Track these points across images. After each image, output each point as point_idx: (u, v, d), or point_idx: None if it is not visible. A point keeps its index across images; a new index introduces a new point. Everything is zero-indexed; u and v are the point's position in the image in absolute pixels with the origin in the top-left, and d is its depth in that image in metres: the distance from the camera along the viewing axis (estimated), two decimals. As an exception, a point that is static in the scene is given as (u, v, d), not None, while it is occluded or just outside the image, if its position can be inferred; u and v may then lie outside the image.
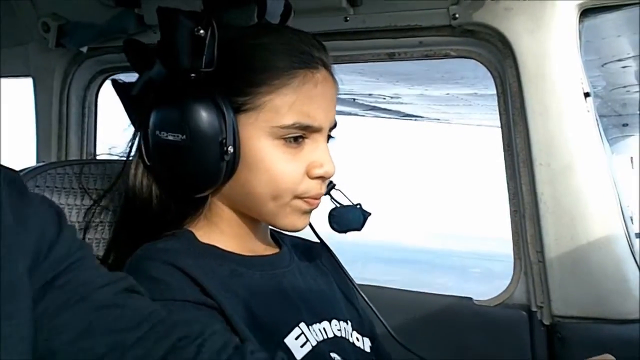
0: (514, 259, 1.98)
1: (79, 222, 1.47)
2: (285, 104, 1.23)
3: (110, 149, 1.49)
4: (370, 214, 1.47)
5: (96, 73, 2.61)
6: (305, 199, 1.29)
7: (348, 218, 1.46)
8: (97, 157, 2.58)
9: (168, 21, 1.26)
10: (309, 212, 1.33)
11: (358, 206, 1.48)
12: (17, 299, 0.86)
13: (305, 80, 1.24)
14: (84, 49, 2.47)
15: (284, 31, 1.29)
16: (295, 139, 1.25)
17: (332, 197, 1.46)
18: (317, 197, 1.31)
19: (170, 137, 1.22)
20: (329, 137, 1.36)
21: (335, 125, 1.35)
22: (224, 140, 1.21)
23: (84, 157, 2.62)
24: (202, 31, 1.21)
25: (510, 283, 2.00)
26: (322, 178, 1.29)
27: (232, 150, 1.21)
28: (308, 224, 1.36)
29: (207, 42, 1.21)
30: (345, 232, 1.49)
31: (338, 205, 1.47)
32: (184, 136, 1.21)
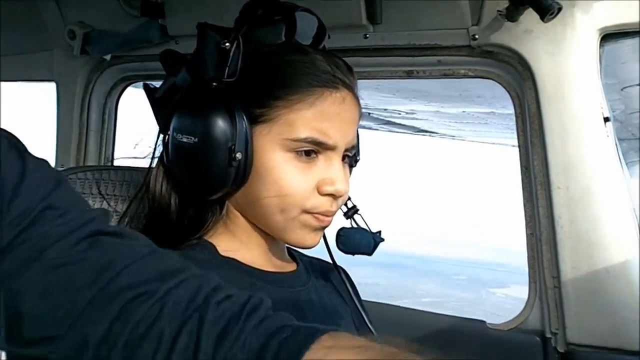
0: (529, 283, 1.96)
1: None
2: (300, 118, 1.24)
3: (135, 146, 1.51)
4: (383, 239, 1.46)
5: (118, 80, 2.64)
6: (315, 215, 1.29)
7: (356, 240, 1.46)
8: (115, 163, 2.61)
9: (199, 34, 1.30)
10: (319, 229, 1.33)
11: (376, 232, 1.47)
12: None
13: (323, 99, 1.25)
14: (107, 57, 2.50)
15: (309, 51, 1.30)
16: (308, 153, 1.26)
17: (354, 221, 1.46)
18: (327, 215, 1.31)
19: (185, 139, 1.25)
20: (351, 159, 1.38)
21: (354, 147, 1.36)
22: (233, 147, 1.23)
23: (102, 163, 2.64)
24: (227, 44, 1.25)
25: (525, 308, 1.98)
26: (332, 196, 1.29)
27: (239, 157, 1.23)
28: (318, 242, 1.36)
29: (231, 54, 1.25)
30: (352, 254, 1.49)
31: (365, 228, 1.47)
32: (196, 139, 1.24)
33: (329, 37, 1.39)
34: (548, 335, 1.91)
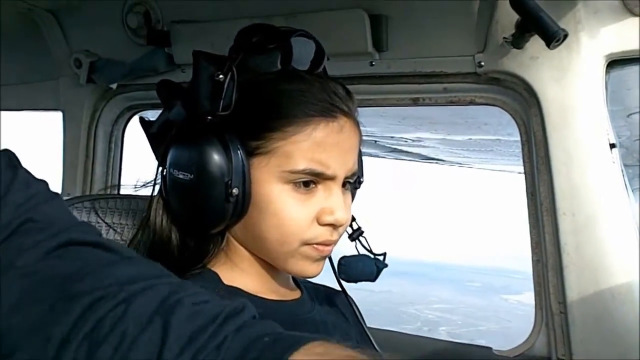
0: (535, 309, 1.95)
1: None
2: (298, 150, 1.23)
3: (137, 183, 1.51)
4: (386, 265, 1.46)
5: (124, 109, 2.65)
6: (314, 246, 1.28)
7: (358, 268, 1.46)
8: (121, 192, 2.61)
9: (194, 64, 1.29)
10: (320, 259, 1.32)
11: (380, 256, 1.46)
12: None
13: (320, 128, 1.24)
14: (114, 86, 2.51)
15: (306, 78, 1.28)
16: (306, 183, 1.26)
17: (360, 243, 1.46)
18: (327, 244, 1.30)
19: (181, 176, 1.25)
20: (353, 184, 1.37)
21: (356, 175, 1.35)
22: (230, 182, 1.22)
23: (108, 191, 2.65)
24: (221, 76, 1.24)
25: (531, 334, 1.97)
26: (332, 225, 1.29)
27: (236, 192, 1.23)
28: (320, 271, 1.35)
29: (225, 86, 1.24)
30: (355, 282, 1.49)
31: (369, 252, 1.47)
32: (192, 176, 1.24)
33: (328, 59, 1.38)
34: (554, 361, 1.89)
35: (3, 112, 2.96)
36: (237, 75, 1.25)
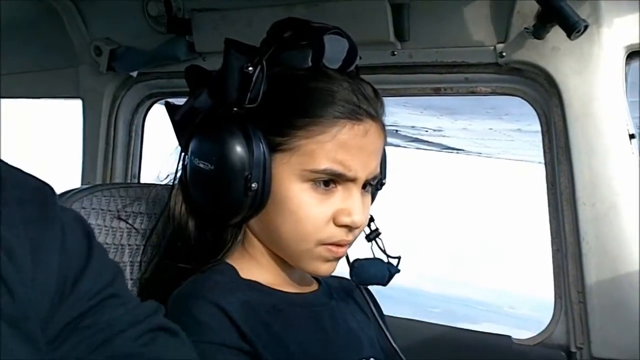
0: (555, 298, 1.95)
1: (122, 245, 1.49)
2: (321, 150, 1.23)
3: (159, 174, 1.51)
4: (398, 270, 1.45)
5: (144, 97, 2.65)
6: (329, 246, 1.29)
7: (370, 272, 1.45)
8: (142, 181, 2.62)
9: (225, 52, 1.28)
10: (333, 260, 1.33)
11: (394, 260, 1.46)
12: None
13: (345, 130, 1.24)
14: (134, 74, 2.51)
15: (335, 78, 1.28)
16: (326, 183, 1.26)
17: (376, 244, 1.47)
18: (342, 245, 1.30)
19: (201, 165, 1.25)
20: (374, 186, 1.38)
21: (377, 178, 1.35)
22: (249, 176, 1.22)
23: (129, 180, 2.65)
24: (251, 68, 1.23)
25: (550, 322, 1.97)
26: (348, 227, 1.28)
27: (255, 187, 1.23)
28: (334, 270, 1.35)
29: (254, 79, 1.24)
30: (366, 285, 1.50)
31: (384, 253, 1.47)
32: (212, 166, 1.24)
33: (360, 59, 1.37)
34: (573, 349, 1.90)
35: (25, 100, 2.98)
36: (267, 68, 1.25)
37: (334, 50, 1.30)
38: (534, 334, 2.00)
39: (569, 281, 1.88)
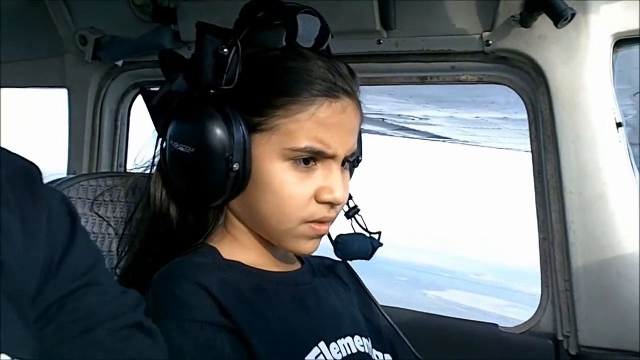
0: (542, 286, 1.96)
1: (109, 234, 1.49)
2: (300, 128, 1.23)
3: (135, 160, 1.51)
4: (381, 244, 1.47)
5: (130, 86, 2.64)
6: (311, 224, 1.29)
7: (354, 246, 1.47)
8: (128, 170, 2.61)
9: (198, 36, 1.29)
10: (316, 237, 1.33)
11: (375, 235, 1.48)
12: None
13: (323, 108, 1.24)
14: (119, 63, 2.50)
15: (310, 57, 1.28)
16: (306, 161, 1.26)
17: (355, 221, 1.47)
18: (324, 221, 1.31)
19: (181, 149, 1.25)
20: (352, 162, 1.38)
21: (355, 154, 1.36)
22: (230, 157, 1.22)
23: (115, 169, 2.64)
24: (225, 50, 1.24)
25: (537, 311, 1.98)
26: (330, 204, 1.29)
27: (236, 168, 1.23)
28: (317, 248, 1.36)
29: (229, 60, 1.24)
30: (350, 260, 1.51)
31: (364, 229, 1.48)
32: (192, 149, 1.23)
33: (332, 37, 1.37)
34: (560, 338, 1.91)
35: (8, 89, 2.96)
36: (242, 49, 1.25)
37: (307, 29, 1.31)
38: (521, 322, 2.01)
39: (556, 270, 1.89)
